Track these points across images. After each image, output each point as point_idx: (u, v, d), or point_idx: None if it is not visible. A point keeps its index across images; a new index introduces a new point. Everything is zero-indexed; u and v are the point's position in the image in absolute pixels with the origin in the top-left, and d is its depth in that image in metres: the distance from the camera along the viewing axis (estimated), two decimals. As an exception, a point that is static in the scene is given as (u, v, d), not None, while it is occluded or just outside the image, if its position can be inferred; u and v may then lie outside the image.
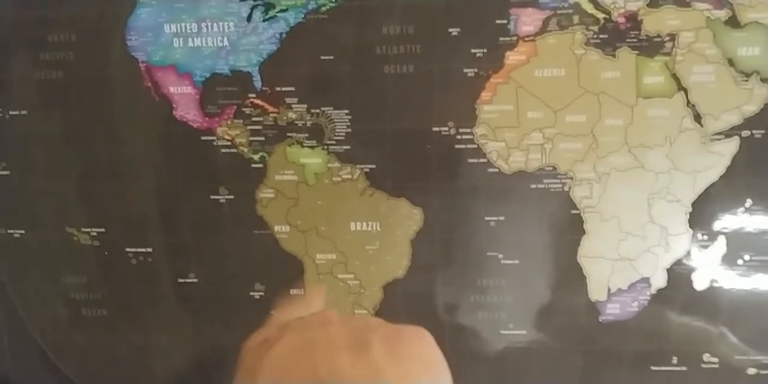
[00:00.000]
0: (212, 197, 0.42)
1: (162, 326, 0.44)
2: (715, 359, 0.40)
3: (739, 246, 0.40)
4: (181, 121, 0.41)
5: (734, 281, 0.40)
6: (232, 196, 0.42)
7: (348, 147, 0.41)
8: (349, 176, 0.41)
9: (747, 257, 0.40)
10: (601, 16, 0.38)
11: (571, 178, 0.40)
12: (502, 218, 0.41)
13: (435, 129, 0.40)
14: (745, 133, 0.39)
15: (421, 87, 0.39)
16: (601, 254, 0.40)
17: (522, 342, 0.42)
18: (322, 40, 0.40)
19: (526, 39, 0.38)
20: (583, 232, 0.40)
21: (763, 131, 0.39)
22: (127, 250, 0.43)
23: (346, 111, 0.40)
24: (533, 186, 0.40)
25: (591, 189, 0.40)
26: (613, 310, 0.41)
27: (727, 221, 0.40)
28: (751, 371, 0.40)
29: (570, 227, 0.40)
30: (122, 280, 0.43)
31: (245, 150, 0.41)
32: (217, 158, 0.41)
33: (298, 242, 0.42)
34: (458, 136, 0.40)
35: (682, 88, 0.38)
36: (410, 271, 0.41)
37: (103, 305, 0.44)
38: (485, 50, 0.38)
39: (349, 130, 0.40)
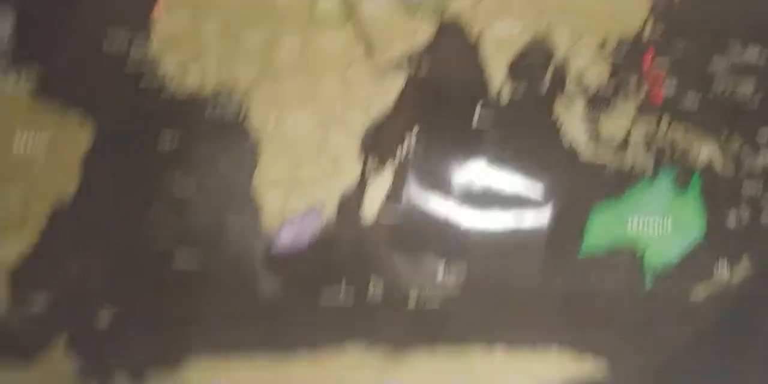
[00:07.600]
0: None
1: None
2: (380, 287, 0.41)
3: (406, 176, 0.41)
4: None
5: (401, 210, 0.41)
6: None
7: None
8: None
9: (417, 186, 0.41)
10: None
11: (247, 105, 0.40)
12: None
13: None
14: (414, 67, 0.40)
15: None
16: (276, 182, 0.40)
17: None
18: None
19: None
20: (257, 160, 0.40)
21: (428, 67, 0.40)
22: None
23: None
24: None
25: (266, 118, 0.40)
26: (286, 240, 0.40)
27: (396, 150, 0.41)
28: (413, 294, 0.41)
29: (247, 155, 0.40)
30: None
31: None
32: None
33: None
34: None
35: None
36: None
37: None
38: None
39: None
